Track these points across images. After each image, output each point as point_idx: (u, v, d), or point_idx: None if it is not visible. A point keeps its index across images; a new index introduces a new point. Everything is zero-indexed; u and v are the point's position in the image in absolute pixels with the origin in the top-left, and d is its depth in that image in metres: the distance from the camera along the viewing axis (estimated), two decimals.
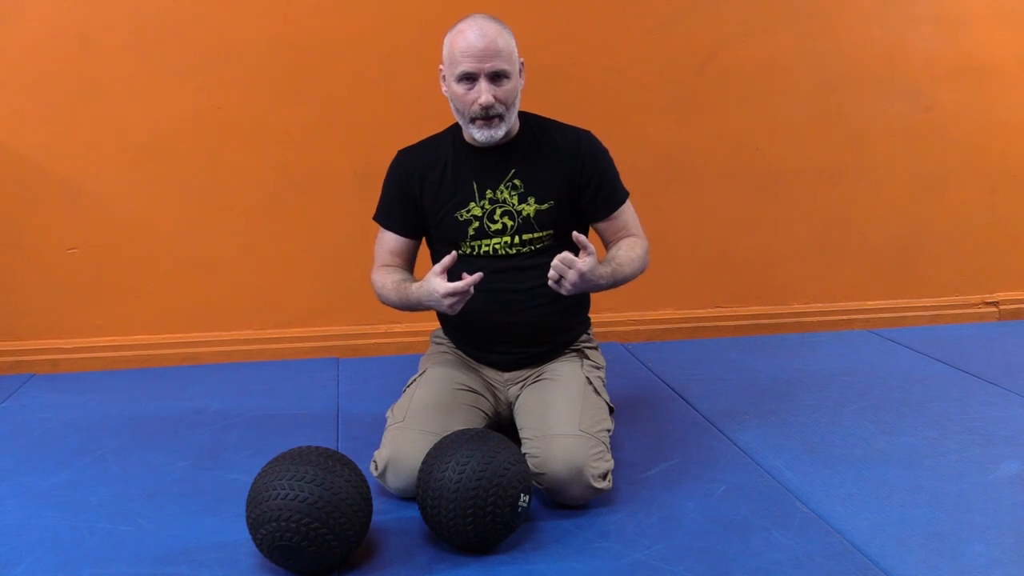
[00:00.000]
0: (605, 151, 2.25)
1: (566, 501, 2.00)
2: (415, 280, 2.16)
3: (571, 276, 1.96)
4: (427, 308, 2.14)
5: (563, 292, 2.00)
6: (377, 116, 3.12)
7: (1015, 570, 1.76)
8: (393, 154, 2.28)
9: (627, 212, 2.27)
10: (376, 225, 2.30)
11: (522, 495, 1.80)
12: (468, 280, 1.96)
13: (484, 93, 2.04)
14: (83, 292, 3.10)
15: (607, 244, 2.27)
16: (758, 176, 3.41)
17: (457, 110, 2.13)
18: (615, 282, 2.13)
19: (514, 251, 2.18)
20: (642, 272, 2.23)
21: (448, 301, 1.98)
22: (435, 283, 1.99)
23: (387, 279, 2.21)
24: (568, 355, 2.29)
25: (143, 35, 2.99)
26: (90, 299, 3.11)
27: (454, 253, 2.01)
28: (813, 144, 3.44)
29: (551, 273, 1.98)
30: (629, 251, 2.18)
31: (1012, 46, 3.49)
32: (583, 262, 1.97)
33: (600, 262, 2.06)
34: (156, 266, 3.12)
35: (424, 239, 2.31)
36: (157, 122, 3.04)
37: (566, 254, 1.96)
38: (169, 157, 3.06)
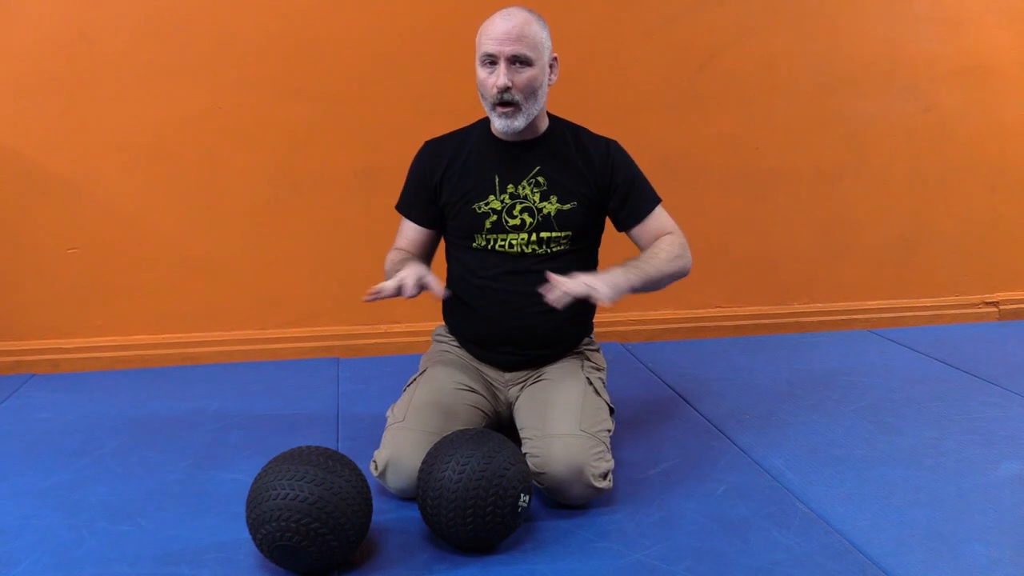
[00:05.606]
0: (632, 159, 2.25)
1: (566, 501, 2.00)
2: (419, 263, 2.11)
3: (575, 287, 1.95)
4: None
5: (604, 301, 1.96)
6: (377, 116, 3.12)
7: (1015, 570, 1.76)
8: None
9: (660, 217, 2.24)
10: (398, 216, 2.30)
11: (522, 495, 1.80)
12: (435, 289, 1.96)
13: (501, 76, 2.04)
14: (83, 292, 3.09)
15: (643, 251, 2.22)
16: (758, 176, 3.41)
17: (482, 96, 2.12)
18: (648, 277, 2.09)
19: (530, 249, 2.16)
20: (683, 268, 2.19)
21: (394, 285, 1.94)
22: (411, 271, 1.96)
23: (395, 256, 2.20)
24: (569, 357, 2.29)
25: (143, 35, 2.99)
26: (90, 299, 3.10)
27: (448, 292, 2.05)
28: (813, 144, 3.44)
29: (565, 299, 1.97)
30: (654, 248, 2.17)
31: (1012, 46, 3.49)
32: (576, 281, 1.95)
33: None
34: (156, 266, 3.12)
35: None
36: (157, 122, 3.04)
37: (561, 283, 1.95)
38: (169, 157, 3.06)
